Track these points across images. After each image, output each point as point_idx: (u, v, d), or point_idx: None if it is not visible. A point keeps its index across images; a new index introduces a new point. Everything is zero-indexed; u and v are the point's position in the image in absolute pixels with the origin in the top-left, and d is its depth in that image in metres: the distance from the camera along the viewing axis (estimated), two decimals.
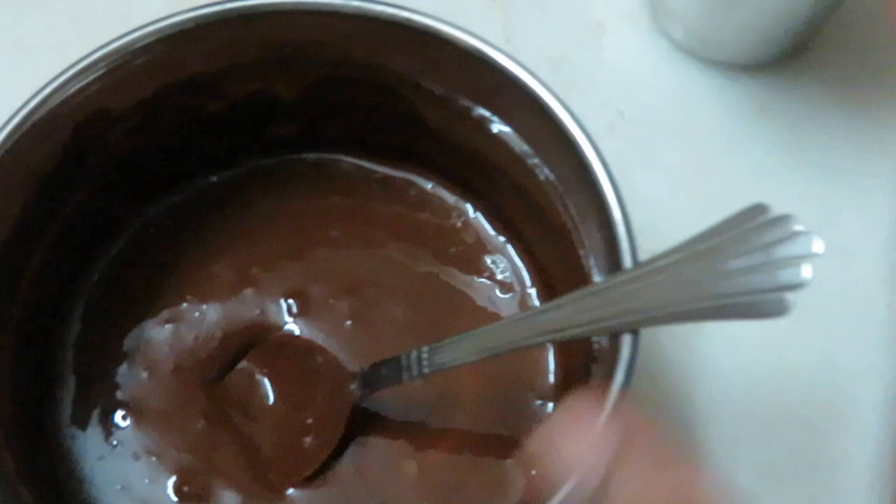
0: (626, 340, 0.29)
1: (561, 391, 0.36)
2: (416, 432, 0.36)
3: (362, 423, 0.35)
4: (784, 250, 0.26)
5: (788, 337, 0.39)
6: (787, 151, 0.43)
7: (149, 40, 0.33)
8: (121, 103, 0.34)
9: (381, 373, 0.34)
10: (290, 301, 0.37)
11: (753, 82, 0.44)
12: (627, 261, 0.30)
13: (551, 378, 0.37)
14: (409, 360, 0.33)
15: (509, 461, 0.36)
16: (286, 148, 0.39)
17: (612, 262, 0.31)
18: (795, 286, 0.25)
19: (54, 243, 0.35)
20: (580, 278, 0.34)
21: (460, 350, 0.32)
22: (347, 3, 0.33)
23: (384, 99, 0.37)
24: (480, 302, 0.38)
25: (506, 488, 0.35)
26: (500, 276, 0.38)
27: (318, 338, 0.37)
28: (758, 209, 0.27)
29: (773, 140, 0.43)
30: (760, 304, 0.26)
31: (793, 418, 0.39)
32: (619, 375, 0.29)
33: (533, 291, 0.38)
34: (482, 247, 0.39)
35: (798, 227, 0.26)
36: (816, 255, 0.25)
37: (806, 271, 0.25)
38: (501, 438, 0.36)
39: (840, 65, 0.44)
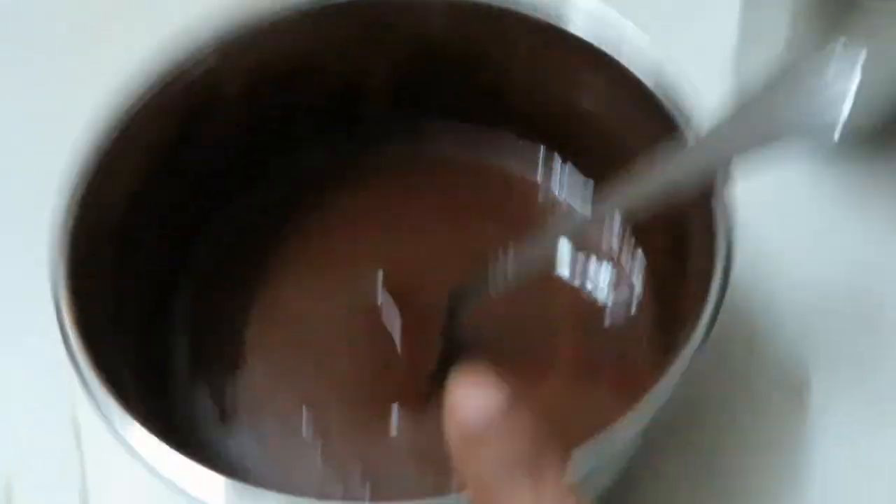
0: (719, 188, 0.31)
1: (661, 346, 0.37)
2: (513, 373, 0.35)
3: (461, 359, 0.36)
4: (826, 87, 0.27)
5: None
6: None
7: (252, 24, 0.36)
8: (229, 85, 0.37)
9: (469, 291, 0.35)
10: (387, 277, 0.39)
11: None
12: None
13: (649, 321, 0.37)
14: (494, 273, 0.34)
15: (610, 402, 0.35)
16: (380, 132, 0.41)
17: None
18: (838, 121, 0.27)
19: (167, 219, 0.37)
20: (673, 226, 0.35)
21: (541, 247, 0.33)
22: None
23: (474, 66, 0.39)
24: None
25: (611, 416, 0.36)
26: None
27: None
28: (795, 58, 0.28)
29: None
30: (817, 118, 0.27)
31: None
32: (722, 230, 0.31)
33: (625, 240, 0.39)
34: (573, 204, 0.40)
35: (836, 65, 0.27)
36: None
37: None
38: (601, 380, 0.37)
39: None
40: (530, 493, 0.23)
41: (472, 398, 0.24)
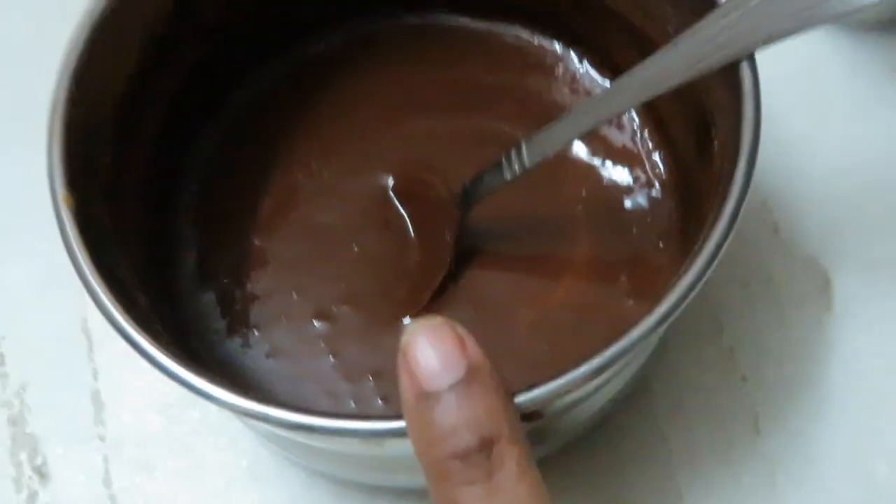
0: (745, 72, 0.29)
1: (682, 233, 0.36)
2: (530, 274, 0.36)
3: (476, 261, 0.36)
4: None
5: None
6: None
7: None
8: None
9: (483, 179, 0.34)
10: (398, 175, 0.37)
11: (884, 41, 0.41)
12: None
13: (670, 217, 0.36)
14: (509, 159, 0.33)
15: (630, 302, 0.35)
16: (388, 9, 0.39)
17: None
18: None
19: (168, 103, 0.36)
20: (697, 115, 0.33)
21: (558, 132, 0.32)
22: None
23: None
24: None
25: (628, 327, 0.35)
26: None
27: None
28: None
29: None
30: None
31: None
32: (749, 113, 0.29)
33: (646, 134, 0.37)
34: (590, 94, 0.38)
35: None
36: None
37: None
38: (621, 278, 0.35)
39: None
40: (484, 477, 0.23)
41: (434, 356, 0.23)
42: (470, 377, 0.23)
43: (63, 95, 0.30)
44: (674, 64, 0.30)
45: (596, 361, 0.26)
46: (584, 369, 0.26)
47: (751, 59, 0.29)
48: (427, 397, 0.23)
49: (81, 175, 0.30)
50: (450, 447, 0.23)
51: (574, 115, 0.32)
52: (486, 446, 0.23)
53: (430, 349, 0.23)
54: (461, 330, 0.24)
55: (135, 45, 0.33)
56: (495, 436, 0.23)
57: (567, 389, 0.26)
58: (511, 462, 0.23)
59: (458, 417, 0.23)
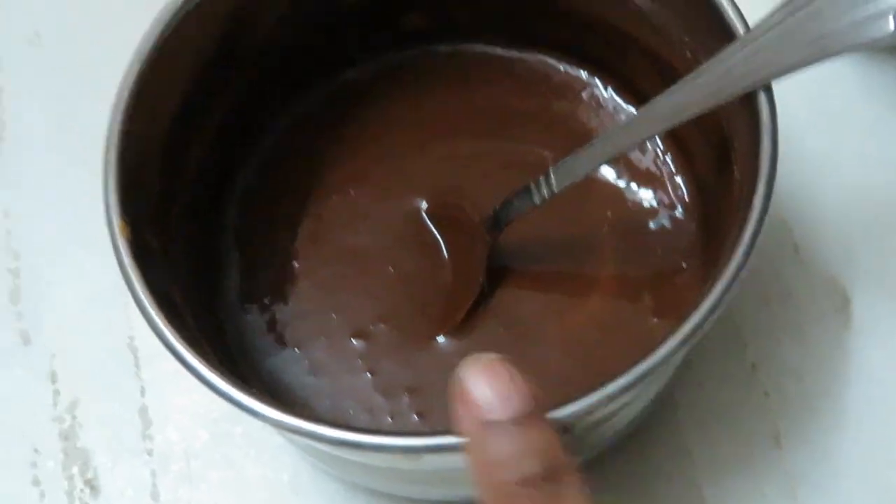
0: (762, 101, 0.31)
1: (704, 252, 0.37)
2: (558, 293, 0.37)
3: (506, 280, 0.37)
4: None
5: None
6: None
7: None
8: None
9: (513, 203, 0.36)
10: (431, 198, 0.39)
11: None
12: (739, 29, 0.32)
13: (692, 237, 0.37)
14: (538, 184, 0.34)
15: (655, 320, 0.36)
16: (421, 40, 0.41)
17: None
18: (893, 7, 0.27)
19: (212, 133, 0.37)
20: (717, 140, 0.35)
21: (585, 158, 0.33)
22: None
23: None
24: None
25: (652, 345, 0.36)
26: None
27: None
28: None
29: None
30: (863, 31, 0.28)
31: None
32: (766, 140, 0.30)
33: (669, 158, 0.39)
34: (614, 119, 0.40)
35: None
36: None
37: None
38: (645, 297, 0.37)
39: None
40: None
41: (492, 389, 0.24)
42: (531, 409, 0.25)
43: (116, 130, 0.32)
44: (694, 94, 0.31)
45: (624, 380, 0.28)
46: (612, 387, 0.28)
47: (767, 88, 0.31)
48: (489, 426, 0.24)
49: (133, 204, 0.32)
50: (515, 474, 0.24)
51: (600, 143, 0.33)
52: (551, 474, 0.24)
53: (488, 383, 0.25)
54: (514, 366, 0.26)
55: (182, 82, 0.35)
56: (558, 465, 0.25)
57: (596, 407, 0.27)
58: (574, 490, 0.25)
59: (522, 445, 0.24)
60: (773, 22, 0.30)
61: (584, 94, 0.41)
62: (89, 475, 0.39)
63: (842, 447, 0.37)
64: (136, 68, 0.33)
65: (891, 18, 0.28)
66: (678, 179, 0.38)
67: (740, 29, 0.32)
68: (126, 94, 0.33)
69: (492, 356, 0.25)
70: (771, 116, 0.30)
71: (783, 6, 0.30)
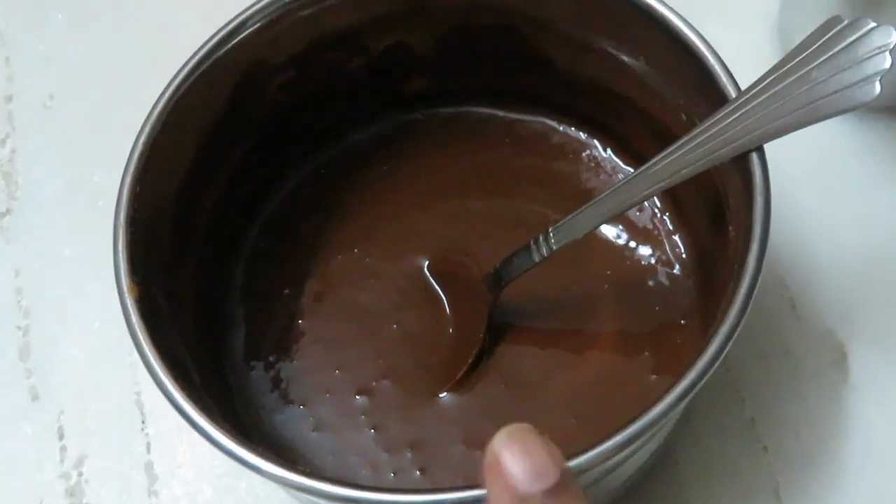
0: (755, 162, 0.32)
1: (701, 309, 0.37)
2: (558, 350, 0.38)
3: (507, 337, 0.38)
4: (864, 46, 0.29)
5: None
6: None
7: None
8: (276, 57, 0.38)
9: (514, 261, 0.36)
10: (433, 257, 0.40)
11: (891, 122, 0.44)
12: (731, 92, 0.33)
13: (690, 295, 0.38)
14: (538, 242, 0.35)
15: (654, 377, 0.37)
16: (424, 102, 0.42)
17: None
18: (879, 73, 0.29)
19: (219, 195, 0.38)
20: (712, 199, 0.35)
21: (584, 218, 0.34)
22: None
23: (512, 44, 0.39)
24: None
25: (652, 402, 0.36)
26: None
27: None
28: (834, 21, 0.29)
29: None
30: (851, 95, 0.29)
31: None
32: (759, 201, 0.31)
33: (666, 217, 0.40)
34: (612, 178, 0.41)
35: (873, 24, 0.28)
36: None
37: (886, 60, 0.29)
38: (645, 354, 0.37)
39: None
40: None
41: (526, 463, 0.25)
42: (563, 482, 0.25)
43: (127, 192, 0.33)
44: (689, 156, 0.32)
45: (622, 436, 0.28)
46: (611, 443, 0.28)
47: (759, 150, 0.32)
48: (524, 499, 0.24)
49: (142, 264, 0.33)
50: None
51: (598, 203, 0.34)
52: None
53: (523, 457, 0.25)
54: (546, 439, 0.26)
55: (191, 146, 0.36)
56: None
57: (596, 462, 0.28)
58: None
59: None
60: (764, 86, 0.31)
61: (584, 155, 0.42)
62: None
63: (841, 500, 0.38)
64: (147, 132, 0.34)
65: (877, 83, 0.30)
66: (675, 238, 0.39)
67: (732, 92, 0.33)
68: (136, 156, 0.34)
69: (524, 427, 0.25)
70: (763, 177, 0.31)
71: (773, 70, 0.31)
